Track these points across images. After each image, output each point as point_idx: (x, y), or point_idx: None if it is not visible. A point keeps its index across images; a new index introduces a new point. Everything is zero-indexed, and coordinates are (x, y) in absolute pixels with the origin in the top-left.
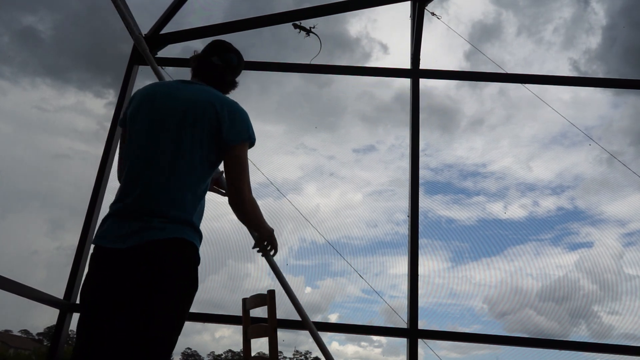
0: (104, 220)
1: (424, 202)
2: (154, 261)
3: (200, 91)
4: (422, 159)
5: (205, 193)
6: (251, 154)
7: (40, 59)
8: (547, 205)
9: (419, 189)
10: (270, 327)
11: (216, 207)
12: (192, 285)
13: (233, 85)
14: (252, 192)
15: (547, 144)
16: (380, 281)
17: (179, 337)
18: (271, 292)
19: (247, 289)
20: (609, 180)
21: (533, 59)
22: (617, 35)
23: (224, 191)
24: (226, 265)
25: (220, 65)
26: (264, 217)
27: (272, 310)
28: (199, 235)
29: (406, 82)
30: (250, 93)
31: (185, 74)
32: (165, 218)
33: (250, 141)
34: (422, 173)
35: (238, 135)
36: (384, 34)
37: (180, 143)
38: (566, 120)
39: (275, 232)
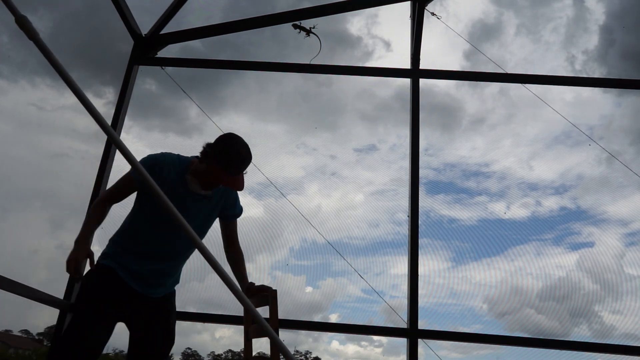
0: None
1: (425, 201)
2: None
3: None
4: (424, 159)
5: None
6: (251, 153)
7: (39, 58)
8: (550, 205)
9: (421, 188)
10: (271, 327)
11: None
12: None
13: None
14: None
15: (549, 143)
16: (381, 281)
17: (178, 338)
18: (272, 292)
19: None
20: (611, 180)
21: (533, 59)
22: (616, 37)
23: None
24: (226, 264)
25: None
26: (88, 227)
27: (273, 310)
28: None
29: (406, 80)
30: (250, 92)
31: (184, 73)
32: None
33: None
34: (425, 172)
35: None
36: (384, 34)
37: None
38: (567, 120)
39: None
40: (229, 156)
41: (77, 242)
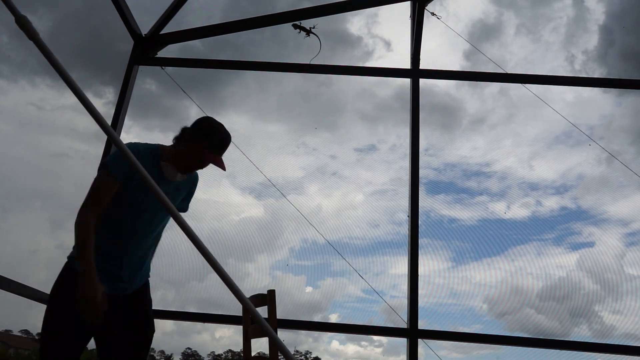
0: None
1: (426, 201)
2: None
3: None
4: (425, 159)
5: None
6: (252, 153)
7: (39, 58)
8: (550, 205)
9: (421, 188)
10: (270, 327)
11: (217, 207)
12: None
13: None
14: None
15: (550, 143)
16: (381, 281)
17: (178, 337)
18: (271, 292)
19: (247, 289)
20: (611, 180)
21: (533, 59)
22: (616, 37)
23: None
24: (226, 264)
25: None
26: (89, 253)
27: (272, 310)
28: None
29: (406, 80)
30: (250, 92)
31: (184, 73)
32: None
33: (104, 165)
34: (425, 172)
35: None
36: (384, 33)
37: None
38: (567, 120)
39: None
40: (213, 134)
41: (86, 274)
